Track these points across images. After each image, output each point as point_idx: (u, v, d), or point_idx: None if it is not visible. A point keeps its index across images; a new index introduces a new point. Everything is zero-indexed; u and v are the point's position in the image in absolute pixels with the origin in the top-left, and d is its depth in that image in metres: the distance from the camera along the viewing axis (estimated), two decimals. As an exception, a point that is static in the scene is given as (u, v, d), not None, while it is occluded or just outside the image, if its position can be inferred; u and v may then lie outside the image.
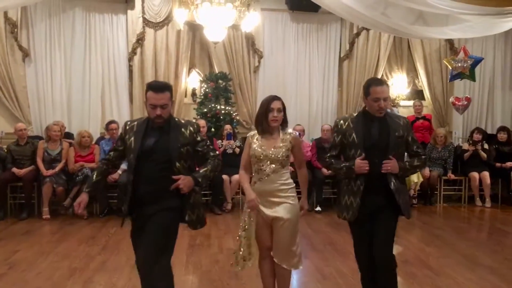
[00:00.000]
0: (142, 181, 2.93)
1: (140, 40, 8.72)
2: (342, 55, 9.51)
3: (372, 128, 3.20)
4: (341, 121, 3.31)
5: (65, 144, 7.13)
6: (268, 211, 3.34)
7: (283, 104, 3.42)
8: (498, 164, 7.89)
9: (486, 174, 7.73)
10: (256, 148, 3.37)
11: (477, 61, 8.62)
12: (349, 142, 3.22)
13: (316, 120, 9.32)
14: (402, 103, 9.74)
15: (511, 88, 9.78)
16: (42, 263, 4.81)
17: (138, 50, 8.77)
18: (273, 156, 3.32)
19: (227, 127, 7.72)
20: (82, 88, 8.64)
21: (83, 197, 3.03)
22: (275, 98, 3.42)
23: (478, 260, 5.06)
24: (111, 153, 3.16)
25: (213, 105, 8.23)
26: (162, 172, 2.92)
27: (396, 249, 5.62)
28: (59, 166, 6.90)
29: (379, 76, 9.44)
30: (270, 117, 3.33)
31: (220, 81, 8.43)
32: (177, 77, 8.87)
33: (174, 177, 2.91)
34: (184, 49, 8.86)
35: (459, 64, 8.54)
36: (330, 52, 9.47)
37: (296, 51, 9.32)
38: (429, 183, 7.79)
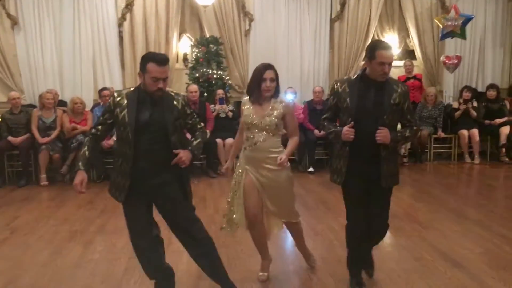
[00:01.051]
0: (140, 155, 2.91)
1: (129, 5, 8.62)
2: (333, 16, 9.45)
3: (368, 94, 3.10)
4: (338, 84, 3.23)
5: (59, 112, 7.18)
6: (261, 178, 3.39)
7: (276, 73, 3.40)
8: (487, 121, 8.03)
9: (475, 132, 7.88)
10: (246, 115, 3.38)
11: (468, 19, 8.62)
12: (343, 106, 3.17)
13: (308, 82, 9.35)
14: (394, 62, 9.74)
15: (501, 46, 9.81)
16: (43, 227, 4.95)
17: (128, 15, 8.69)
18: (262, 124, 3.33)
19: (220, 91, 7.76)
20: (73, 55, 8.59)
21: (83, 176, 2.96)
22: (268, 67, 3.37)
23: (465, 214, 5.25)
24: (99, 127, 3.00)
25: (204, 69, 8.23)
26: (158, 145, 2.93)
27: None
28: (54, 134, 6.99)
29: (370, 37, 9.45)
30: (263, 87, 3.32)
31: (211, 46, 8.41)
32: (168, 42, 8.84)
33: (175, 151, 2.94)
34: (174, 13, 8.79)
35: (450, 23, 8.55)
36: (321, 13, 9.41)
37: (287, 13, 9.26)
38: (420, 141, 7.94)
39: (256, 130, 3.35)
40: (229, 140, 7.25)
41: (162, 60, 2.88)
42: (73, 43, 8.58)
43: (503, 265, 3.78)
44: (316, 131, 7.42)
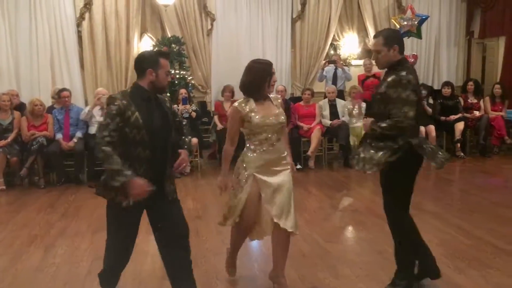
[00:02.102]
0: (156, 156, 2.84)
1: (87, 4, 8.48)
2: (294, 16, 9.58)
3: None
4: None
5: (17, 114, 6.98)
6: (270, 179, 3.22)
7: None
8: (442, 118, 8.32)
9: (431, 128, 8.14)
10: (256, 117, 3.16)
11: (423, 19, 8.90)
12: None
13: (270, 82, 9.42)
14: (353, 62, 9.97)
15: (455, 45, 10.18)
16: (1, 232, 4.82)
17: (87, 15, 8.54)
18: (275, 123, 3.20)
19: (182, 91, 7.73)
20: (30, 56, 8.36)
21: (139, 180, 2.72)
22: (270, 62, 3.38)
23: (423, 207, 5.43)
24: (113, 133, 2.72)
25: (167, 69, 8.17)
26: (167, 146, 2.90)
27: (347, 201, 5.99)
28: (11, 136, 6.77)
29: (330, 36, 9.63)
30: (271, 82, 3.23)
31: (173, 45, 8.37)
32: (128, 42, 8.74)
33: (180, 151, 2.95)
34: (134, 13, 8.69)
35: (407, 23, 8.81)
36: (283, 13, 9.51)
37: (249, 13, 9.32)
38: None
39: (272, 131, 3.20)
40: (193, 140, 7.22)
41: (168, 54, 3.12)
42: (30, 43, 8.35)
43: (458, 254, 3.95)
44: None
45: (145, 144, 2.79)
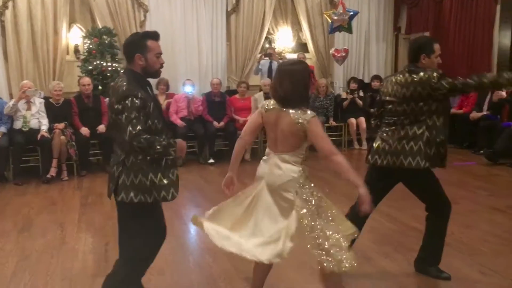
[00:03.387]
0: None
1: (11, -8, 8.02)
2: (229, 9, 9.58)
3: None
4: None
5: None
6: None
7: None
8: (372, 110, 8.65)
9: (362, 120, 8.46)
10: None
11: (354, 15, 9.19)
12: None
13: (206, 75, 9.37)
14: (288, 56, 10.13)
15: (384, 39, 10.61)
16: None
17: (10, 3, 8.04)
18: None
19: (115, 84, 7.52)
20: None
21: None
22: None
23: (354, 196, 5.60)
24: (143, 125, 2.55)
25: (98, 62, 7.92)
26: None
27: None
28: None
29: (265, 30, 9.72)
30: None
31: (104, 37, 8.10)
32: (56, 33, 8.35)
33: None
34: (62, 2, 8.30)
35: (338, 18, 9.06)
36: (217, 5, 9.47)
37: (183, 5, 9.19)
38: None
39: None
40: (127, 134, 7.07)
41: (157, 35, 2.79)
42: None
43: (385, 240, 4.15)
44: (215, 123, 7.49)
45: (161, 134, 2.69)
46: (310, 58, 10.01)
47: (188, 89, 7.55)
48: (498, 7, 8.42)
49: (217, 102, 7.72)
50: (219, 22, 9.50)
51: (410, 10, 10.44)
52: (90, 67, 7.88)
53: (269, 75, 8.74)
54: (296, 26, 10.25)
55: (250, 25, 9.63)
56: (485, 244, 3.99)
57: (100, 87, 7.82)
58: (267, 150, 2.92)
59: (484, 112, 7.74)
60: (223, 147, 8.04)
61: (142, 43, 2.71)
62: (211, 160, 7.42)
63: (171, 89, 8.23)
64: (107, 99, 7.31)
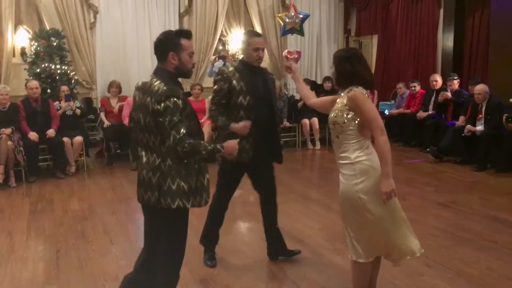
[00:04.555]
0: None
1: (-49, -8, 7.68)
2: (182, 11, 9.53)
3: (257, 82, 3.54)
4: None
5: None
6: None
7: None
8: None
9: (315, 120, 8.62)
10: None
11: (305, 17, 9.36)
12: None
13: (159, 77, 9.30)
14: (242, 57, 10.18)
15: (335, 41, 10.87)
16: None
17: (-50, 3, 7.74)
18: None
19: (64, 88, 7.33)
20: None
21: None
22: None
23: (307, 195, 5.78)
24: (186, 129, 2.50)
25: (46, 64, 7.70)
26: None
27: (237, 193, 6.10)
28: None
29: (218, 32, 9.75)
30: None
31: (52, 39, 7.89)
32: (1, 35, 8.06)
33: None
34: (7, 3, 8.02)
35: (290, 20, 9.19)
36: (170, 7, 9.42)
37: (134, 6, 9.07)
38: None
39: None
40: (78, 139, 6.91)
41: (190, 33, 2.72)
42: None
43: (337, 237, 4.25)
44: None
45: (197, 136, 2.61)
46: (264, 60, 10.07)
47: (141, 91, 7.45)
48: (441, 11, 8.80)
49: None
50: (172, 24, 9.44)
51: (360, 13, 10.75)
52: (38, 70, 7.65)
53: (223, 77, 8.75)
54: (249, 28, 10.32)
55: (203, 27, 9.63)
56: (431, 238, 4.18)
57: (48, 91, 7.61)
58: (368, 141, 2.77)
59: (430, 112, 8.06)
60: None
61: (176, 42, 2.63)
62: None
63: (123, 91, 8.10)
64: (56, 103, 7.13)
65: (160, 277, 2.70)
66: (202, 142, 2.53)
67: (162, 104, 2.44)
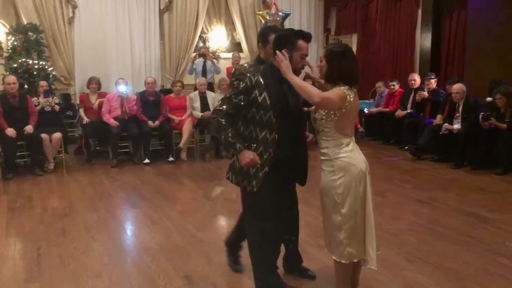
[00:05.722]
0: (286, 140, 2.89)
1: None
2: (162, 7, 9.48)
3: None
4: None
5: None
6: None
7: None
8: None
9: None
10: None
11: (286, 16, 9.42)
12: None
13: (139, 73, 9.24)
14: (222, 55, 10.19)
15: (315, 40, 10.92)
16: None
17: None
18: None
19: (43, 83, 7.22)
20: None
21: (249, 152, 2.75)
22: None
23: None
24: (232, 109, 2.78)
25: (24, 59, 7.57)
26: (298, 129, 3.05)
27: (219, 190, 6.15)
28: None
29: (199, 29, 9.72)
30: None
31: (30, 33, 7.77)
32: (-23, 29, 7.90)
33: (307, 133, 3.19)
34: (-18, -4, 7.88)
35: (272, 18, 9.24)
36: (150, 3, 9.36)
37: (114, 2, 8.99)
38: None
39: None
40: (56, 135, 6.81)
41: (309, 36, 2.81)
42: None
43: (320, 234, 4.25)
44: (150, 122, 7.39)
45: (272, 127, 2.72)
46: (244, 57, 10.12)
47: (122, 88, 7.39)
48: (420, 11, 8.96)
49: (152, 101, 7.62)
50: (152, 20, 9.39)
51: (339, 13, 10.86)
52: (15, 65, 7.53)
53: (204, 75, 8.75)
54: (230, 26, 10.34)
55: (184, 23, 9.59)
56: (411, 233, 4.26)
57: (26, 86, 7.48)
58: (349, 139, 2.80)
59: (408, 111, 8.20)
60: (158, 146, 7.95)
61: (293, 40, 2.72)
62: (147, 160, 7.30)
63: (103, 87, 8.02)
64: (34, 98, 7.02)
65: None
66: (231, 130, 2.71)
67: (231, 81, 2.82)
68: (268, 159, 2.79)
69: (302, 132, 3.03)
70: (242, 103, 2.75)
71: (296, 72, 2.78)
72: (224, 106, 2.73)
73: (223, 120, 2.72)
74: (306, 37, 2.78)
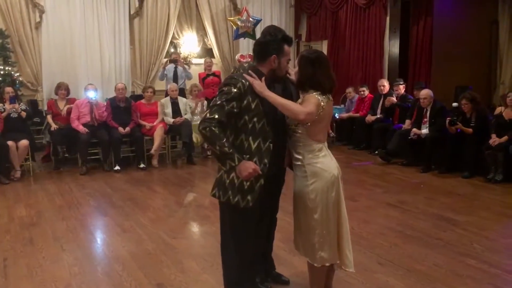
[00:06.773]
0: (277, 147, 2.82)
1: None
2: (132, 12, 9.39)
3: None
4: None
5: None
6: None
7: None
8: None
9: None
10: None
11: (257, 22, 9.46)
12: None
13: (109, 79, 9.11)
14: (194, 61, 10.16)
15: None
16: None
17: None
18: None
19: (9, 89, 7.02)
20: None
21: (250, 163, 2.59)
22: None
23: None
24: (225, 117, 2.58)
25: (-11, 65, 7.38)
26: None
27: (191, 196, 6.11)
28: None
29: (170, 34, 9.67)
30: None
31: (-5, 38, 7.57)
32: None
33: None
34: None
35: (244, 24, 9.27)
36: (120, 8, 9.26)
37: (83, 6, 8.86)
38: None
39: None
40: (23, 142, 6.63)
41: (292, 40, 2.71)
42: None
43: (292, 238, 4.32)
44: (120, 129, 7.28)
45: (266, 135, 2.61)
46: (216, 63, 10.12)
47: (91, 94, 7.26)
48: (388, 18, 9.14)
49: (122, 107, 7.51)
50: (121, 26, 9.29)
51: (310, 19, 10.99)
52: (-20, 71, 7.31)
53: (175, 81, 8.69)
54: (201, 32, 10.32)
55: (155, 29, 9.53)
56: (382, 237, 4.33)
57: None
58: (321, 145, 2.80)
59: (378, 116, 8.34)
60: (129, 153, 7.84)
61: (280, 46, 2.64)
62: (117, 167, 7.19)
63: (72, 94, 7.87)
64: (0, 105, 6.82)
65: None
66: (225, 140, 2.53)
67: (221, 89, 2.61)
68: (264, 170, 2.64)
69: (286, 141, 2.88)
70: (235, 110, 2.56)
71: (282, 78, 2.77)
72: (216, 115, 2.50)
73: (216, 129, 2.50)
74: (290, 41, 2.76)
